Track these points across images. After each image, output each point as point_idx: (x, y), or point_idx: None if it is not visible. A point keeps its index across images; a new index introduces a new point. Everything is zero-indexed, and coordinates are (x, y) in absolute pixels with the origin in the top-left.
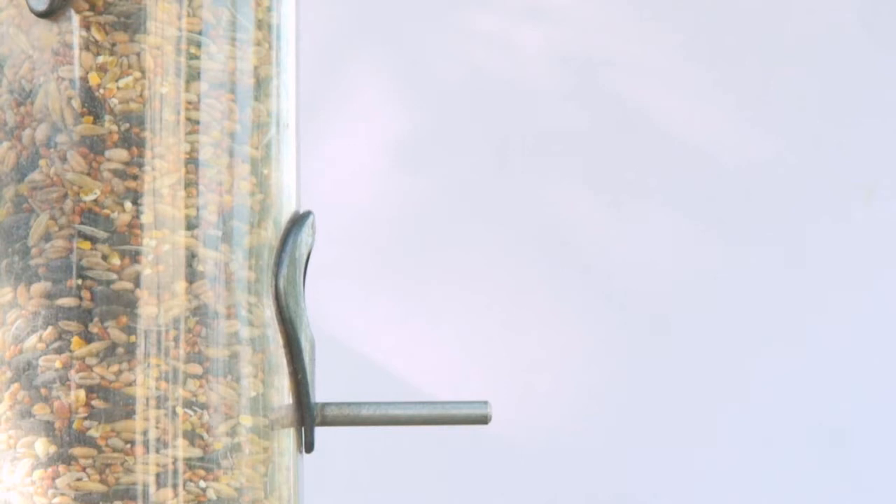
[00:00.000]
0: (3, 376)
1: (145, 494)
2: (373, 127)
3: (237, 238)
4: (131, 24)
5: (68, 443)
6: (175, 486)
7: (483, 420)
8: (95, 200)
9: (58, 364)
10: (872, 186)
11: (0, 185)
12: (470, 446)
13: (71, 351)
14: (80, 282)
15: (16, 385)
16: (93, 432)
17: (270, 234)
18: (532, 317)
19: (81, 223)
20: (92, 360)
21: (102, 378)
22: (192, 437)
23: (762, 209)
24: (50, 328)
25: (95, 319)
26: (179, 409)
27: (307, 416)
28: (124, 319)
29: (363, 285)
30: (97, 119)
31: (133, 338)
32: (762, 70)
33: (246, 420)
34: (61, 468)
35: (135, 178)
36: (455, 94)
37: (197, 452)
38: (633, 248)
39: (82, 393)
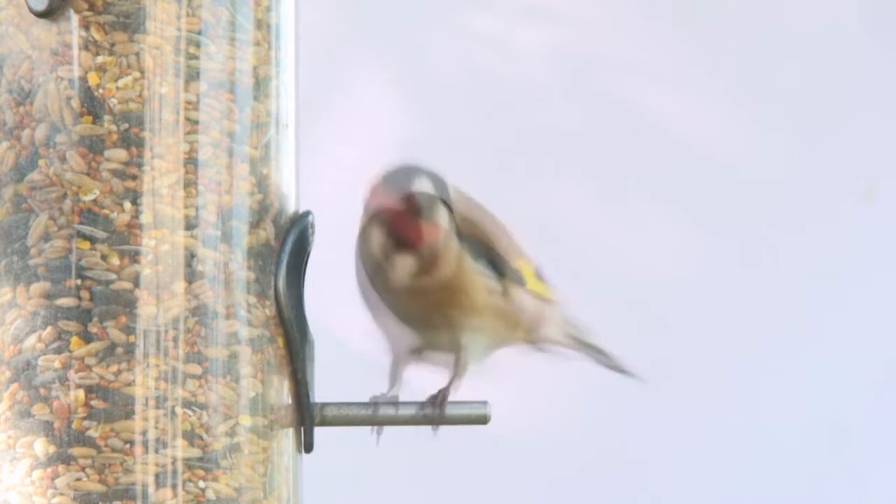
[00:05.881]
0: (3, 376)
1: (144, 494)
2: (373, 127)
3: (236, 238)
4: (130, 23)
5: (67, 443)
6: (174, 487)
7: (483, 420)
8: (95, 200)
9: (57, 364)
10: (872, 186)
11: None
12: (470, 446)
13: (70, 351)
14: (79, 282)
15: (15, 385)
16: (92, 432)
17: (270, 235)
18: None
19: (81, 223)
20: (91, 360)
21: (102, 378)
22: (191, 437)
23: (762, 209)
24: (49, 328)
25: (95, 319)
26: (179, 410)
27: (306, 417)
28: (124, 319)
29: None
30: (96, 119)
31: (132, 338)
32: (762, 70)
33: (245, 420)
34: (60, 468)
35: (134, 178)
36: (455, 94)
37: (196, 452)
38: (633, 247)
39: (81, 393)
